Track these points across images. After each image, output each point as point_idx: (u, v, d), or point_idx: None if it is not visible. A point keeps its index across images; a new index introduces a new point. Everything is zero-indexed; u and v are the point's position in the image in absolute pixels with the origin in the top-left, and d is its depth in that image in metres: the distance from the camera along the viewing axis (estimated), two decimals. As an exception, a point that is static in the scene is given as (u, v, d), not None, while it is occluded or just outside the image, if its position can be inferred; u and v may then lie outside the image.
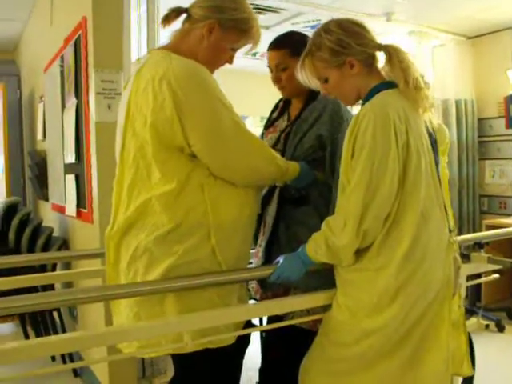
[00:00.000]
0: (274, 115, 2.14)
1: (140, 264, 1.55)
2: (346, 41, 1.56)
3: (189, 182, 1.52)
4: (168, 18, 1.66)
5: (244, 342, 1.73)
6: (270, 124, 2.12)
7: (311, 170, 1.82)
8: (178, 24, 1.69)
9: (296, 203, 1.89)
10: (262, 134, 2.13)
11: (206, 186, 1.54)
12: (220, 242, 1.55)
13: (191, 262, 1.52)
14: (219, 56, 1.69)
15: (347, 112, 1.93)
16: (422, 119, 1.60)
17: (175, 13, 1.66)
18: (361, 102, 1.65)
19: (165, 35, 1.74)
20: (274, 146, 1.92)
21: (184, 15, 1.67)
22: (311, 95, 1.96)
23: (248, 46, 1.73)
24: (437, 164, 1.62)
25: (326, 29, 1.60)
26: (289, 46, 1.93)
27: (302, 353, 1.69)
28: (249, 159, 1.61)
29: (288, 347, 1.88)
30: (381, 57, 1.62)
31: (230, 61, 1.72)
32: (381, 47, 1.60)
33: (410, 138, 1.50)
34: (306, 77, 1.65)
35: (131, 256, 1.56)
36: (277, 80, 1.97)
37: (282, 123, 2.07)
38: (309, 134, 1.87)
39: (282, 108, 2.13)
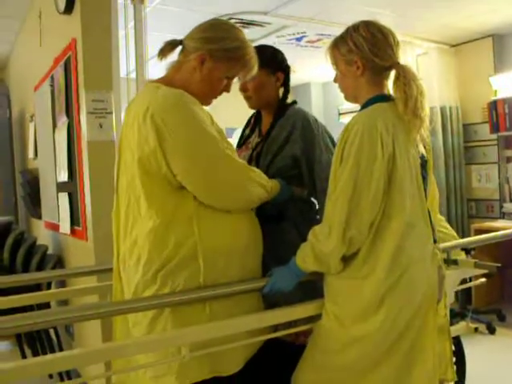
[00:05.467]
0: (247, 132, 2.15)
1: None
2: (362, 43, 1.62)
3: (176, 214, 1.54)
4: (163, 51, 1.68)
5: None
6: (242, 142, 2.13)
7: (288, 185, 1.84)
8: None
9: (274, 220, 1.89)
10: None
11: (195, 217, 1.55)
12: (211, 273, 1.56)
13: None
14: (214, 86, 1.68)
15: (318, 125, 1.95)
16: (412, 138, 1.62)
17: (170, 46, 1.68)
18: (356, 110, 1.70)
19: (154, 51, 1.75)
20: None
21: (180, 47, 1.68)
22: (280, 109, 1.99)
23: (242, 74, 1.73)
24: (424, 179, 1.67)
25: (355, 26, 1.66)
26: (258, 57, 1.97)
27: (285, 365, 1.71)
28: (234, 185, 1.63)
29: (272, 360, 1.87)
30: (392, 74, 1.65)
31: (227, 89, 1.72)
32: (393, 65, 1.63)
33: (396, 150, 1.55)
34: (327, 58, 1.73)
35: (133, 293, 1.60)
36: (243, 89, 2.00)
37: (254, 140, 2.08)
38: (282, 153, 1.89)
39: (253, 124, 2.15)
